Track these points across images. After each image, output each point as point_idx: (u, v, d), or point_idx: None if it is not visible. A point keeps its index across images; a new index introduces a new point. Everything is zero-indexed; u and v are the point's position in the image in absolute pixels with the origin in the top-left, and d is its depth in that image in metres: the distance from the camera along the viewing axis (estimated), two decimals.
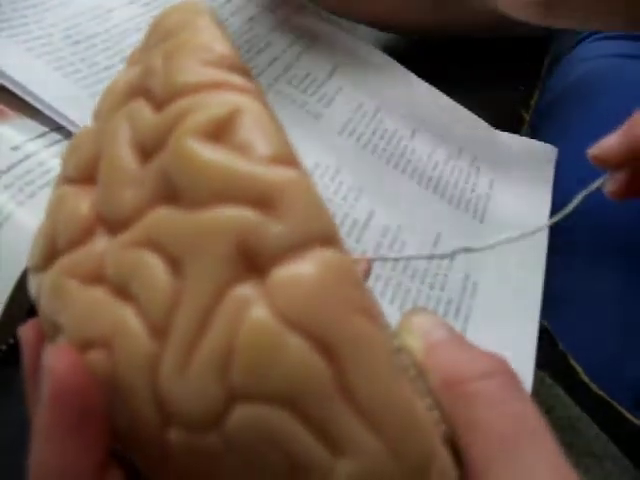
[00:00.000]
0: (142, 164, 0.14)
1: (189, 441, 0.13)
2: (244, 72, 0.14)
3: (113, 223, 0.14)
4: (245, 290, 0.12)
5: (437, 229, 0.39)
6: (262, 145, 0.13)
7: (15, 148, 0.30)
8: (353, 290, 0.13)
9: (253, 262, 0.12)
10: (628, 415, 0.40)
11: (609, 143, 0.29)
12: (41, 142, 0.31)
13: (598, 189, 0.24)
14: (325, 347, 0.12)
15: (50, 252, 0.15)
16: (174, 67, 0.14)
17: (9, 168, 0.29)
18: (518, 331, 0.36)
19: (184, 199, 0.13)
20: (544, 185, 0.46)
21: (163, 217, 0.13)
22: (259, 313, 0.12)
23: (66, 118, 0.31)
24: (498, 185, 0.45)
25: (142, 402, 0.13)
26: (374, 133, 0.42)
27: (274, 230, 0.12)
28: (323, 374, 0.12)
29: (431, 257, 0.19)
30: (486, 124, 0.49)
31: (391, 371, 0.13)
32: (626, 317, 0.49)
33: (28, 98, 0.32)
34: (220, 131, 0.13)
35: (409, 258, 0.36)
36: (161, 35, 0.15)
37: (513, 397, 0.15)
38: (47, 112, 0.32)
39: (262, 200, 0.13)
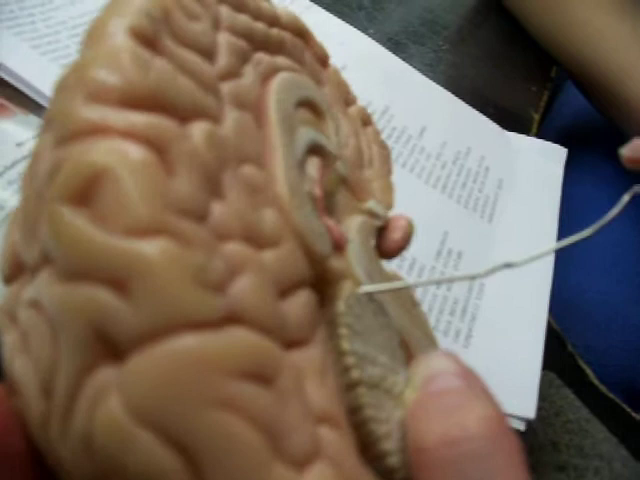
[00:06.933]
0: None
1: None
2: (148, 103, 0.12)
3: (26, 267, 0.13)
4: (103, 376, 0.11)
5: (444, 228, 0.39)
6: (126, 213, 0.11)
7: (20, 144, 0.30)
8: (216, 381, 0.11)
9: (112, 346, 0.11)
10: (637, 417, 0.40)
11: None
12: None
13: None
14: (180, 445, 0.11)
15: None
16: (65, 98, 0.12)
17: (13, 164, 0.29)
18: (525, 332, 0.36)
19: (55, 265, 0.12)
20: (553, 185, 0.45)
21: (44, 279, 0.12)
22: (110, 404, 0.11)
23: None
24: (507, 185, 0.44)
25: (46, 454, 0.12)
26: (382, 132, 0.42)
27: (128, 314, 0.11)
28: (178, 476, 0.11)
29: (473, 278, 0.17)
30: (495, 124, 0.48)
31: (257, 470, 0.11)
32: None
33: (33, 95, 0.32)
34: (86, 192, 0.11)
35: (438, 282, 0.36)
36: (82, 43, 0.14)
37: (482, 473, 0.12)
38: None
39: (118, 279, 0.11)
